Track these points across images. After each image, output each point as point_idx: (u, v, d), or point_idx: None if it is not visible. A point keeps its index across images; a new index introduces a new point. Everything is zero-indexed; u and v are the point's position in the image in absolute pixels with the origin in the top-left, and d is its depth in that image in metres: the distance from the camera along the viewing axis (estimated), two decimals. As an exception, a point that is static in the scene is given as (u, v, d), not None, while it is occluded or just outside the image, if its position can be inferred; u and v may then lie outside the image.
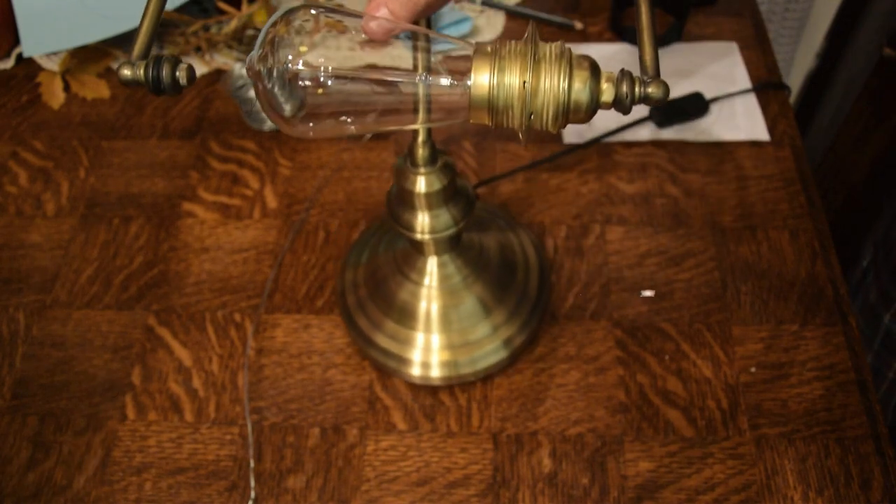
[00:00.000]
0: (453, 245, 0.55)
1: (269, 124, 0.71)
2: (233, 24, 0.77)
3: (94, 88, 0.76)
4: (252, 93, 0.69)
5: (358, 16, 0.39)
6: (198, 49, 0.78)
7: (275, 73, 0.37)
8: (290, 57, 0.37)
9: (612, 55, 0.77)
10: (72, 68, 0.76)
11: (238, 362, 0.57)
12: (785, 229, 0.64)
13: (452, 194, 0.51)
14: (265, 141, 0.71)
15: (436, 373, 0.55)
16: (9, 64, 0.79)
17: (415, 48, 0.41)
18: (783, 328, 0.58)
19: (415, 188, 0.49)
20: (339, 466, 0.53)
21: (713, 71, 0.75)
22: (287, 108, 0.38)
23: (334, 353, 0.58)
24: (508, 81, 0.35)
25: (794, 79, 1.33)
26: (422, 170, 0.48)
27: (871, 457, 0.52)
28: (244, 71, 0.68)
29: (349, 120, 0.39)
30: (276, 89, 0.37)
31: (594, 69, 0.36)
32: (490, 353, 0.56)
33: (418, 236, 0.52)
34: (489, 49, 0.36)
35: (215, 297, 0.61)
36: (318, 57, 0.37)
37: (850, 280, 0.76)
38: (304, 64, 0.37)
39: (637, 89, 0.35)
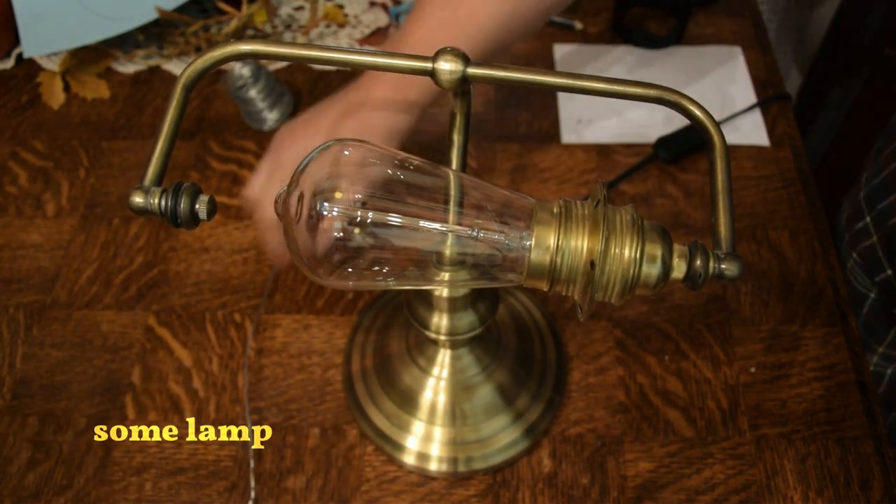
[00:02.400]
0: (472, 338, 0.49)
1: (269, 124, 0.71)
2: (233, 24, 0.77)
3: (94, 88, 0.76)
4: (252, 92, 0.69)
5: (396, 153, 0.35)
6: (198, 49, 0.78)
7: (305, 217, 0.33)
8: (325, 203, 0.33)
9: (614, 57, 0.77)
10: (72, 68, 0.76)
11: (238, 362, 0.57)
12: (785, 229, 0.64)
13: (480, 293, 0.46)
14: (265, 141, 0.71)
15: (435, 466, 0.51)
16: (9, 64, 0.79)
17: (463, 194, 0.35)
18: (783, 328, 0.58)
19: (435, 290, 0.43)
20: (339, 466, 0.53)
21: (716, 78, 0.75)
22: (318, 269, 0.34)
23: (334, 353, 0.58)
24: (574, 251, 0.32)
25: (794, 79, 1.32)
26: (447, 269, 0.38)
27: (871, 457, 0.52)
28: (244, 71, 0.68)
29: (384, 270, 0.35)
30: (305, 232, 0.33)
31: (665, 241, 0.32)
32: (509, 446, 0.51)
33: (433, 335, 0.47)
34: (555, 210, 0.33)
35: (215, 297, 0.61)
36: (353, 202, 0.33)
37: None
38: (339, 210, 0.33)
39: (711, 265, 0.32)
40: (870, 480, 0.51)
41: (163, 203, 0.32)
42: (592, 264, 0.31)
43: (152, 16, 0.73)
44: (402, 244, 0.34)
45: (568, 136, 0.71)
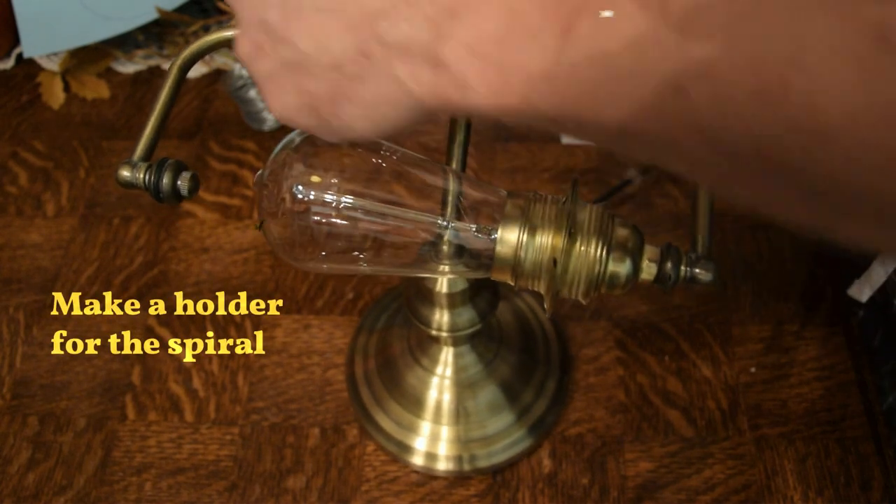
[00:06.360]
0: (473, 335, 0.49)
1: (269, 124, 0.71)
2: (233, 24, 0.76)
3: (94, 88, 0.76)
4: (252, 93, 0.69)
5: (378, 142, 0.35)
6: (198, 49, 0.78)
7: (280, 200, 0.33)
8: (300, 187, 0.33)
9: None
10: (72, 68, 0.76)
11: (238, 362, 0.57)
12: (785, 229, 0.64)
13: (478, 289, 0.46)
14: (265, 141, 0.71)
15: (443, 466, 0.51)
16: (9, 64, 0.79)
17: (446, 182, 0.35)
18: (783, 328, 0.58)
19: (435, 286, 0.44)
20: (339, 466, 0.53)
21: None
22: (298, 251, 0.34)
23: (334, 353, 0.58)
24: (538, 246, 0.31)
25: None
26: (446, 263, 0.39)
27: (871, 457, 0.52)
28: (244, 71, 0.68)
29: (360, 256, 0.35)
30: (281, 215, 0.34)
31: (637, 242, 0.31)
32: (514, 443, 0.52)
33: (434, 332, 0.47)
34: (520, 205, 0.33)
35: (215, 297, 0.61)
36: (330, 189, 0.33)
37: None
38: (314, 195, 0.33)
39: (683, 269, 0.31)
40: (870, 480, 0.51)
41: (147, 178, 0.34)
42: (555, 262, 0.31)
43: (152, 16, 0.73)
44: (374, 229, 0.34)
45: (568, 136, 0.71)
